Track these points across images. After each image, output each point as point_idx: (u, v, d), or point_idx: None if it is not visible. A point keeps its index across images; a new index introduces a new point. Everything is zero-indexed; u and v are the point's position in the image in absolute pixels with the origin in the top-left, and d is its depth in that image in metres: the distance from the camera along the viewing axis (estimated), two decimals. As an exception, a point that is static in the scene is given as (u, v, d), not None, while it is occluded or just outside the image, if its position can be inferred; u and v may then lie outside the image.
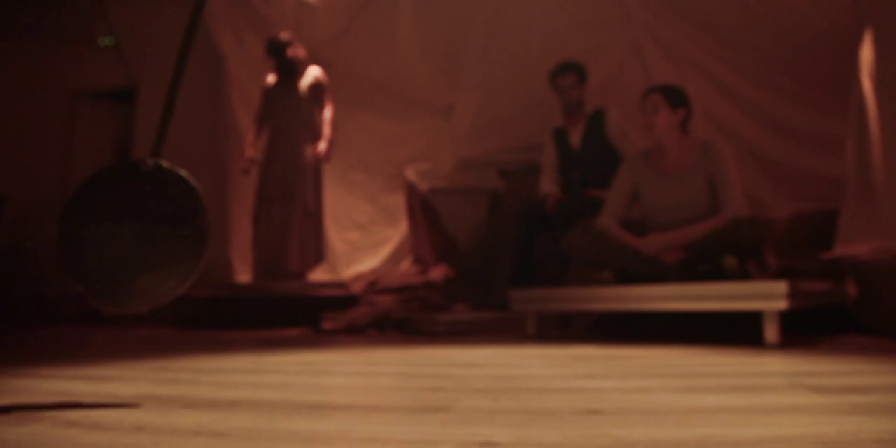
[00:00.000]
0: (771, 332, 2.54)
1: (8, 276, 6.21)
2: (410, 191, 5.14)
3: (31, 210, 6.74)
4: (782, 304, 2.52)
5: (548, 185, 4.23)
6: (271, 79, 4.93)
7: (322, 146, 4.75)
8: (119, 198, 1.36)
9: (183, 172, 1.44)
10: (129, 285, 1.32)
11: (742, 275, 2.99)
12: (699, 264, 3.05)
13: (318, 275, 5.08)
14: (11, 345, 3.36)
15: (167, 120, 1.55)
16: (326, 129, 4.81)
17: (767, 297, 2.56)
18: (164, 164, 1.42)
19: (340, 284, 4.57)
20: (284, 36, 4.87)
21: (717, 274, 2.95)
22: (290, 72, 4.86)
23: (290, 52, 4.83)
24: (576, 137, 4.19)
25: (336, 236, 5.52)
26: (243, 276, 5.46)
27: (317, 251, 4.85)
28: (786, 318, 2.59)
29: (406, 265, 5.19)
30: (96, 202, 1.35)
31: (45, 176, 6.95)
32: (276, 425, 1.08)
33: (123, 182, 1.39)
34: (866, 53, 3.21)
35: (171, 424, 1.09)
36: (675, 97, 3.21)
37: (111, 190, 1.37)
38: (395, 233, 5.50)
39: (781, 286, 2.54)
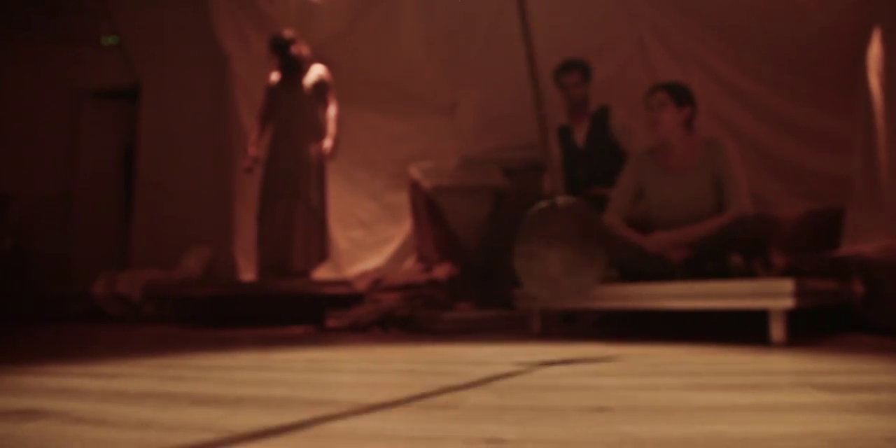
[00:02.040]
0: (777, 331, 2.53)
1: (13, 275, 6.22)
2: (414, 189, 5.14)
3: (36, 209, 6.76)
4: (788, 303, 2.51)
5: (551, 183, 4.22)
6: (275, 77, 4.93)
7: (327, 144, 4.74)
8: (553, 225, 2.05)
9: (582, 205, 2.11)
10: (561, 284, 1.99)
11: (747, 273, 2.98)
12: (704, 262, 3.04)
13: (322, 273, 5.07)
14: (17, 343, 3.36)
15: (550, 158, 2.32)
16: (331, 127, 4.80)
17: (773, 296, 2.55)
18: (568, 200, 2.10)
19: (345, 282, 4.57)
20: (288, 33, 4.86)
21: (722, 272, 2.94)
22: (294, 69, 4.85)
23: (293, 50, 4.82)
24: (580, 135, 4.18)
25: (340, 234, 5.52)
26: (248, 274, 5.46)
27: (320, 249, 4.84)
28: (792, 317, 2.58)
29: (410, 263, 5.18)
30: (536, 233, 2.07)
31: (49, 175, 6.96)
32: (283, 422, 1.08)
33: (550, 216, 2.07)
34: (874, 51, 3.20)
35: (177, 421, 1.09)
36: (680, 95, 3.20)
37: (546, 221, 2.06)
38: (399, 231, 5.49)
39: (787, 284, 2.53)
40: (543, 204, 2.04)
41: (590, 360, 2.09)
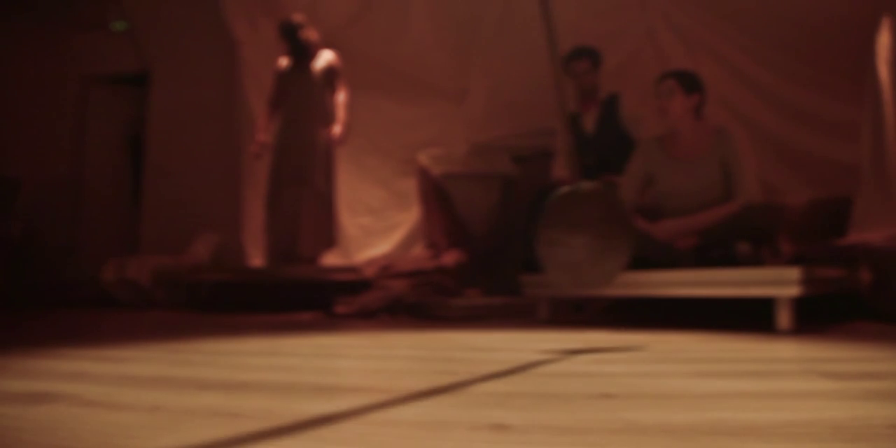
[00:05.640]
0: (783, 319, 2.54)
1: (22, 261, 6.26)
2: (423, 176, 5.14)
3: (45, 194, 6.80)
4: (795, 291, 2.52)
5: (561, 170, 4.22)
6: (284, 62, 4.92)
7: (336, 130, 4.74)
8: (576, 211, 1.95)
9: (605, 190, 2.06)
10: (584, 271, 1.93)
11: (755, 261, 2.98)
12: (712, 250, 3.04)
13: (331, 259, 5.09)
14: (27, 327, 3.39)
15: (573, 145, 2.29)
16: (340, 113, 4.79)
17: (780, 284, 2.55)
18: (592, 185, 2.00)
19: (353, 269, 4.58)
20: (298, 18, 4.85)
21: (729, 260, 2.95)
22: (303, 54, 4.84)
23: (303, 35, 4.81)
24: (589, 123, 4.17)
25: (349, 221, 5.53)
26: (256, 260, 5.48)
27: (329, 236, 4.86)
28: (798, 305, 2.59)
29: (418, 250, 5.19)
30: (559, 219, 1.95)
31: (58, 160, 6.99)
32: (290, 407, 1.09)
33: (574, 201, 1.96)
34: (883, 39, 3.19)
35: (187, 405, 1.11)
36: (689, 82, 3.19)
37: (569, 207, 1.95)
38: (408, 217, 5.50)
39: (794, 272, 2.53)
40: (566, 189, 1.96)
41: (618, 348, 2.09)
